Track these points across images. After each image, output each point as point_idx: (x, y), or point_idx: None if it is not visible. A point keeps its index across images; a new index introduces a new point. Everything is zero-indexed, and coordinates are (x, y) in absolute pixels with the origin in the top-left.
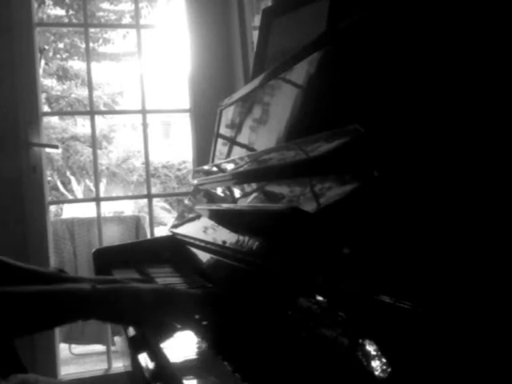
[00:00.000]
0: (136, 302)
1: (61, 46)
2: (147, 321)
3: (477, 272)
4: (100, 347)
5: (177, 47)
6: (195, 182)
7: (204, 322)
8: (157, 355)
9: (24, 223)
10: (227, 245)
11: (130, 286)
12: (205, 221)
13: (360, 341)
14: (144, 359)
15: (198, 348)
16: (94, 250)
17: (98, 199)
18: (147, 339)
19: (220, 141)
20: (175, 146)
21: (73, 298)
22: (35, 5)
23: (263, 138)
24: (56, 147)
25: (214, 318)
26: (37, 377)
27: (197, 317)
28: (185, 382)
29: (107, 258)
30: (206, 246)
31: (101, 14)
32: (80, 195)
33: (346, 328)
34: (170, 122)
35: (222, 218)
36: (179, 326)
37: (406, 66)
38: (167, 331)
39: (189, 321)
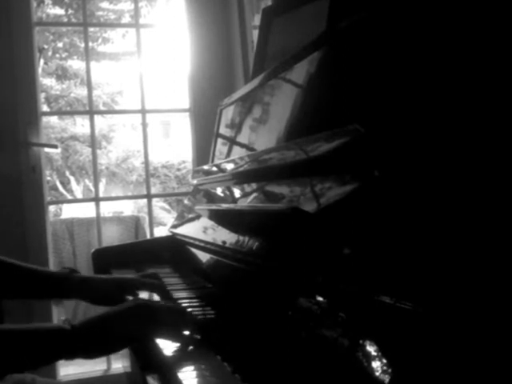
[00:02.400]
0: (120, 331)
1: (60, 45)
2: (135, 343)
3: (477, 272)
4: None
5: (176, 47)
6: (195, 181)
7: (194, 336)
8: (155, 355)
9: (23, 223)
10: (227, 245)
11: (109, 315)
12: (204, 221)
13: (360, 341)
14: (143, 360)
15: (197, 348)
16: (93, 250)
17: (97, 199)
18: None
19: (220, 140)
20: (175, 145)
21: (51, 339)
22: (34, 4)
23: (263, 137)
24: (55, 147)
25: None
26: (34, 377)
27: (185, 331)
28: (184, 382)
29: (106, 259)
30: (206, 247)
31: (100, 13)
32: (79, 195)
33: (346, 328)
34: (170, 122)
35: (221, 218)
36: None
37: (407, 66)
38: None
39: (178, 335)
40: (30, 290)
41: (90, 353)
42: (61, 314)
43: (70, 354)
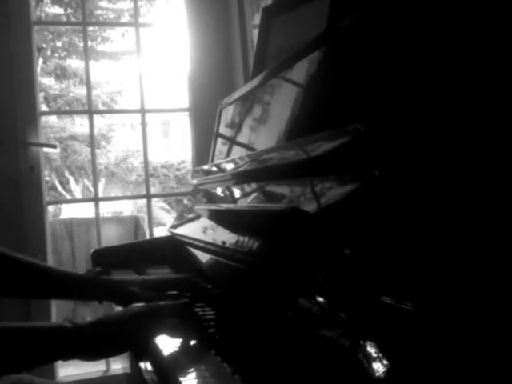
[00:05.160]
0: (119, 334)
1: (59, 44)
2: (134, 346)
3: (478, 273)
4: None
5: (176, 46)
6: (194, 181)
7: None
8: (155, 357)
9: (22, 223)
10: (227, 245)
11: (110, 318)
12: (204, 221)
13: (361, 342)
14: (143, 361)
15: (198, 349)
16: (92, 250)
17: (96, 199)
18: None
19: (219, 140)
20: (174, 145)
21: (52, 337)
22: (33, 3)
23: (263, 137)
24: (54, 147)
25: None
26: (31, 377)
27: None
28: (184, 383)
29: (106, 259)
30: (206, 247)
31: (99, 12)
32: (78, 195)
33: (346, 329)
34: (170, 122)
35: (221, 218)
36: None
37: (407, 65)
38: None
39: (177, 332)
40: (57, 291)
41: (88, 353)
42: (59, 313)
43: (70, 353)
